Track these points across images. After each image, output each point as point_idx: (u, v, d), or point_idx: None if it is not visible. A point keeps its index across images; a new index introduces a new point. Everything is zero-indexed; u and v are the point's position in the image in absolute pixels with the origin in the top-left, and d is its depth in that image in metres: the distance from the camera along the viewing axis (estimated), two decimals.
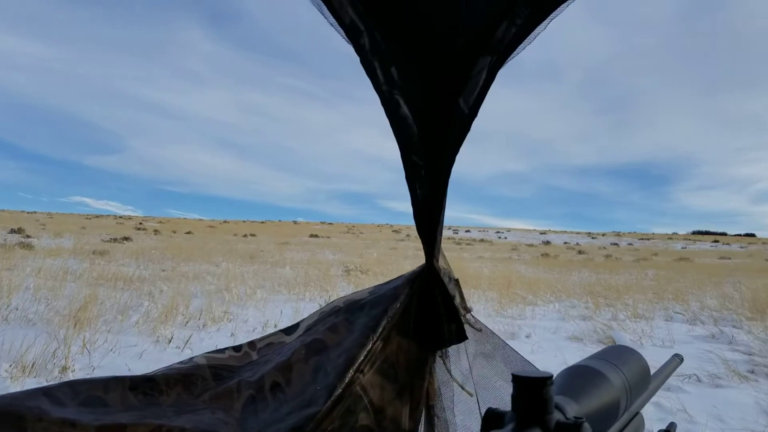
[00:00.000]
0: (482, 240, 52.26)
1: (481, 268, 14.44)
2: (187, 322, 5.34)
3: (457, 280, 1.02)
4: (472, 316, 1.03)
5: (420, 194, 0.90)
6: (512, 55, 0.80)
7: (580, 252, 32.95)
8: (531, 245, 44.02)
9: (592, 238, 71.54)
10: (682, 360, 0.89)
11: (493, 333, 1.05)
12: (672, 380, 3.81)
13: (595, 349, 4.56)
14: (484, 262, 18.96)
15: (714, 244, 62.36)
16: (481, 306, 7.43)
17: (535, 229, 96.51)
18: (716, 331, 5.72)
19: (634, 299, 8.41)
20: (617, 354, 0.59)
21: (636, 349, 0.63)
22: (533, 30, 0.77)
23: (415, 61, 0.81)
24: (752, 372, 4.13)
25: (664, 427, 0.65)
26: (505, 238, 63.10)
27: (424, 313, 0.98)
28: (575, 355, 4.48)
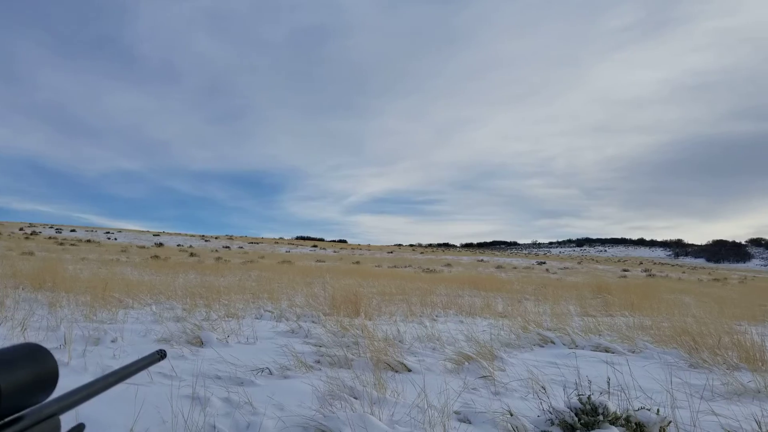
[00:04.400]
0: (89, 240, 47.48)
1: (82, 271, 13.03)
2: None
3: None
4: None
5: None
6: None
7: (192, 254, 33.05)
8: (143, 247, 42.10)
9: (206, 240, 73.14)
10: (162, 356, 0.86)
11: None
12: (245, 375, 4.04)
13: (180, 348, 4.45)
14: (87, 264, 17.16)
15: (313, 248, 71.33)
16: (69, 311, 6.61)
17: (149, 231, 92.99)
18: (296, 327, 6.39)
19: (232, 299, 8.79)
20: (8, 354, 0.52)
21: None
22: None
23: None
24: (318, 362, 4.68)
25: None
26: (116, 239, 59.03)
27: None
28: None
